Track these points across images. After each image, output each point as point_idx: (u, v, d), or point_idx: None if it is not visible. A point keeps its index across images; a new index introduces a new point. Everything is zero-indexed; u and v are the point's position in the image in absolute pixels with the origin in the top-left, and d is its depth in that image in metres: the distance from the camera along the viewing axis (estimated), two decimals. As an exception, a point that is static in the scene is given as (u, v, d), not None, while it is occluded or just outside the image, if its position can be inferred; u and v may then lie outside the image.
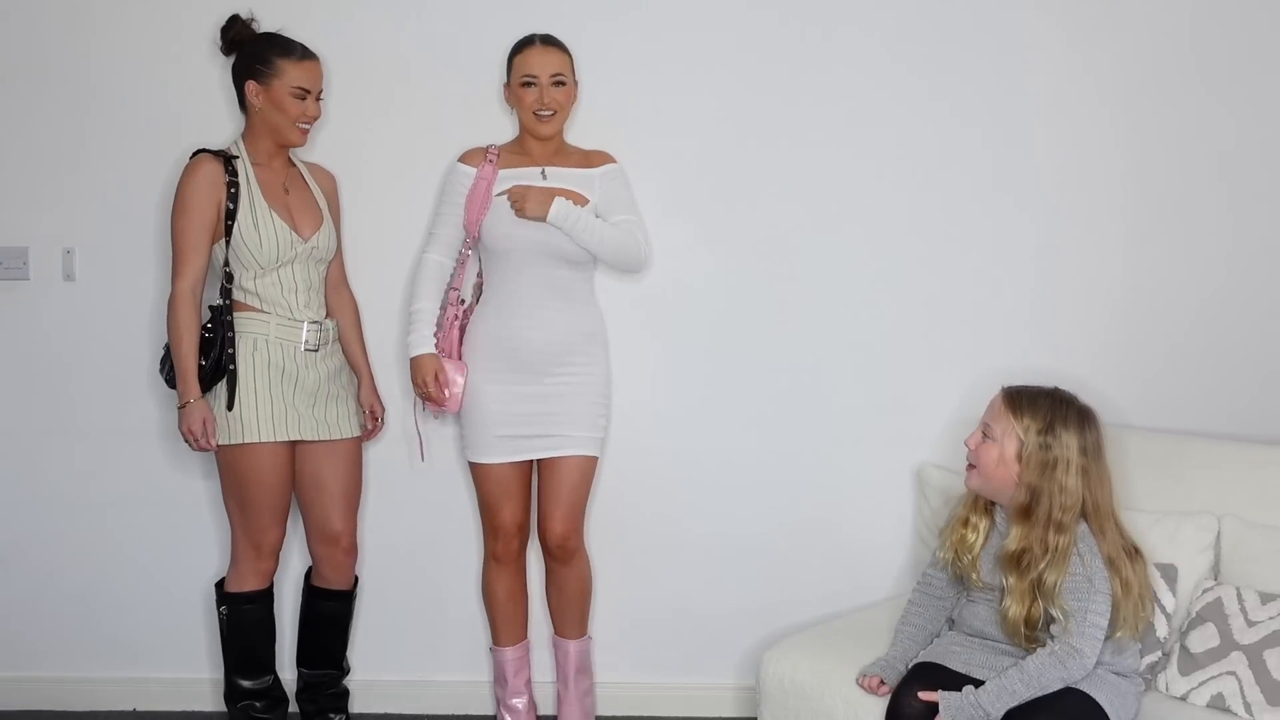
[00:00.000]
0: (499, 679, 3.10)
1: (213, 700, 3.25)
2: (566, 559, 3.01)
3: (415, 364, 2.92)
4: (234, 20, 2.85)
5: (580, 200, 2.92)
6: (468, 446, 2.99)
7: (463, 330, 2.98)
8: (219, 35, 2.86)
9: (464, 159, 2.98)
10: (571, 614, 3.08)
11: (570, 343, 2.92)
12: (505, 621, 3.06)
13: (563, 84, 2.91)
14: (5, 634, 3.28)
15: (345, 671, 3.12)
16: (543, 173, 2.95)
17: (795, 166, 3.17)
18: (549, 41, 2.93)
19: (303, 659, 3.08)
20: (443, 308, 2.96)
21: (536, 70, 2.88)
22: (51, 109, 3.13)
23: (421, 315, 2.94)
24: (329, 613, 3.05)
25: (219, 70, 3.06)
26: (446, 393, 2.91)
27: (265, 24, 2.88)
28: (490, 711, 3.27)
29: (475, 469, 2.99)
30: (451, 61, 3.14)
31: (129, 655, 3.29)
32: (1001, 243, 3.17)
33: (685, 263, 3.16)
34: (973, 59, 3.13)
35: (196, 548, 3.23)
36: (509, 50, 2.96)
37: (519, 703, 3.09)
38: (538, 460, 2.97)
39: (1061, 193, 3.16)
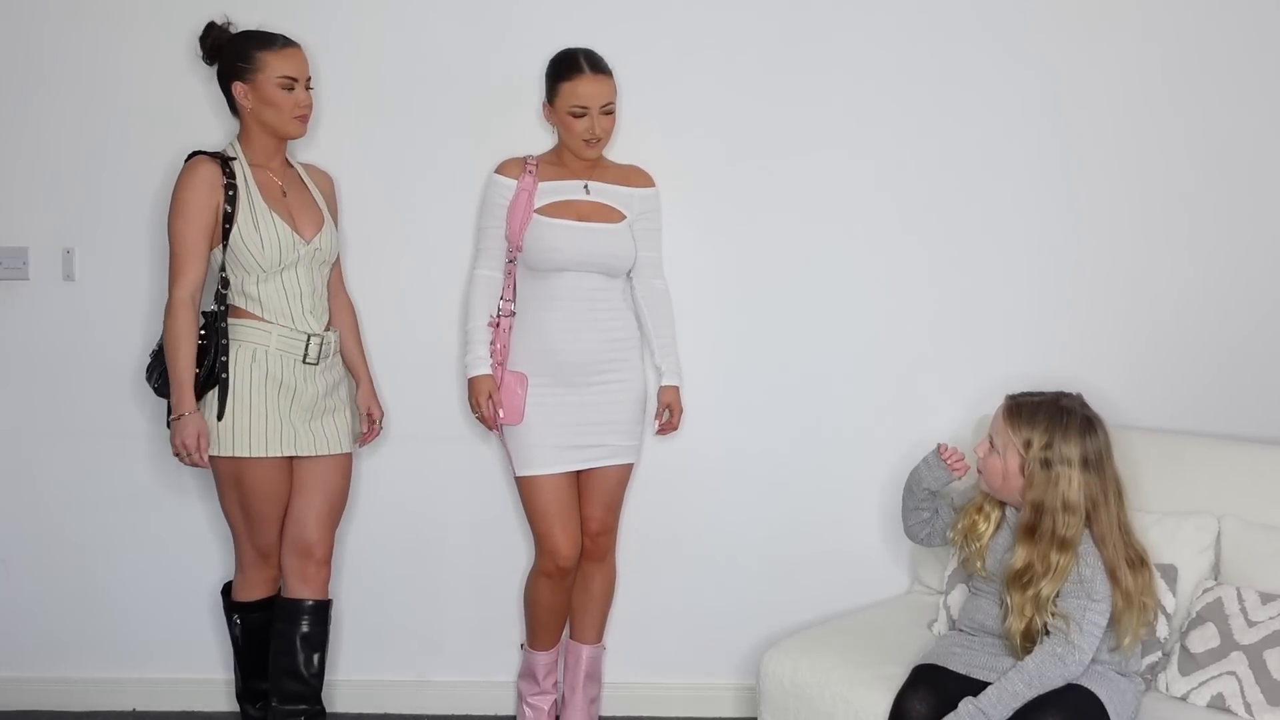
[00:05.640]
0: (527, 675, 3.12)
1: (212, 700, 3.25)
2: (601, 556, 3.04)
3: (472, 384, 2.91)
4: (210, 27, 2.78)
5: (617, 217, 2.94)
6: (518, 461, 2.94)
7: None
8: (198, 45, 2.79)
9: (502, 170, 2.94)
10: (593, 614, 3.10)
11: (607, 350, 2.93)
12: (543, 629, 3.07)
13: (611, 112, 2.88)
14: (5, 634, 3.28)
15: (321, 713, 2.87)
16: (585, 187, 2.94)
17: (796, 170, 3.17)
18: (598, 68, 2.86)
19: (272, 689, 2.83)
20: (498, 319, 2.93)
21: (588, 102, 2.83)
22: (51, 109, 3.13)
23: (476, 334, 2.92)
24: (301, 631, 2.80)
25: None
26: (500, 413, 2.89)
27: (244, 23, 2.80)
28: (488, 711, 3.27)
29: (527, 485, 2.94)
30: (449, 64, 3.13)
31: (129, 655, 3.29)
32: (1003, 244, 3.17)
33: (686, 265, 3.15)
34: (973, 63, 3.12)
35: (196, 548, 3.22)
36: (550, 68, 2.89)
37: (543, 702, 3.10)
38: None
39: (1062, 194, 3.15)
